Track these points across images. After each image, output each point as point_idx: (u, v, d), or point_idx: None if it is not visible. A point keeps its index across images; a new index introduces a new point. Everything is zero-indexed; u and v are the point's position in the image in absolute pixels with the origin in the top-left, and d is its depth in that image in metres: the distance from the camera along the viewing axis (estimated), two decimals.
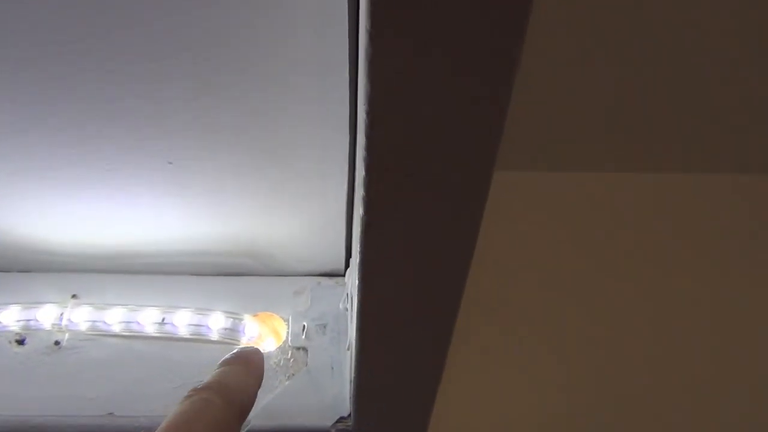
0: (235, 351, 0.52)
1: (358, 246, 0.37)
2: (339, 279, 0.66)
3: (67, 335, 0.60)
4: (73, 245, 0.62)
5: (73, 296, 0.63)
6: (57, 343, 0.60)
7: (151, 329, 0.61)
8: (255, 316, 0.63)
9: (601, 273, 0.92)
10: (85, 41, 0.44)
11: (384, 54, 0.27)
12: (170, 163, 0.54)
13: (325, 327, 0.62)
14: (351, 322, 0.59)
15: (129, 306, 0.61)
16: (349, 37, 0.44)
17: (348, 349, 0.57)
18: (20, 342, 0.60)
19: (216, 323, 0.61)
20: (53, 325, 0.60)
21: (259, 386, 0.49)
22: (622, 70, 0.77)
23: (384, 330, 0.44)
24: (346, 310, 0.62)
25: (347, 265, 0.66)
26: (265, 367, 0.58)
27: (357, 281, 0.40)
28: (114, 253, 0.63)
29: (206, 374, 0.57)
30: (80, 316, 0.61)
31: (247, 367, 0.50)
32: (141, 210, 0.59)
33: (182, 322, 0.60)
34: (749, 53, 0.76)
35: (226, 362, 0.50)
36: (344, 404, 0.57)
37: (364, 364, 0.47)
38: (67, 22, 0.43)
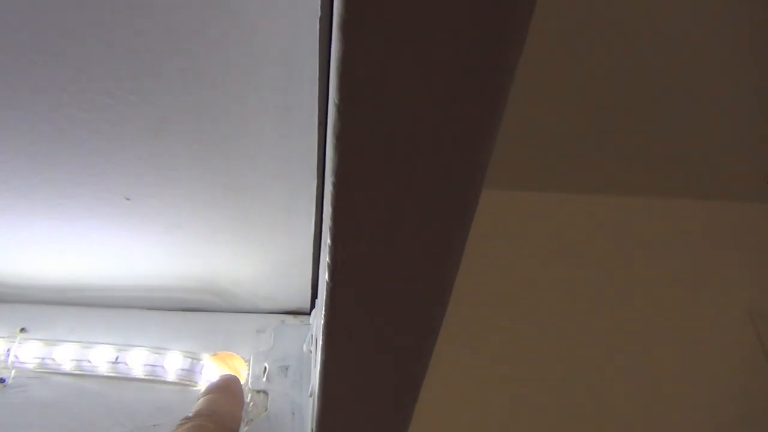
0: (216, 380, 0.55)
1: (323, 309, 0.35)
2: (304, 318, 0.64)
3: (13, 372, 0.57)
4: (21, 276, 0.59)
5: (22, 330, 0.59)
6: (2, 380, 0.56)
7: (103, 368, 0.57)
8: (214, 355, 0.60)
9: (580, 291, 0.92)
10: (39, 67, 0.42)
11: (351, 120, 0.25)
12: (127, 199, 0.51)
13: (287, 369, 0.60)
14: (315, 367, 0.57)
15: (81, 342, 0.58)
16: (319, 64, 0.42)
17: (310, 396, 0.55)
18: None
19: (172, 364, 0.58)
20: (0, 362, 0.57)
21: (242, 411, 0.54)
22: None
23: (348, 388, 0.42)
24: (310, 352, 0.60)
25: (312, 304, 0.64)
26: None
27: (321, 339, 0.37)
28: (65, 285, 0.60)
29: (160, 418, 0.54)
30: (28, 353, 0.57)
31: (231, 394, 0.54)
32: (95, 243, 0.56)
33: (137, 361, 0.58)
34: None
35: (210, 390, 0.53)
36: None
37: (327, 420, 0.45)
38: (22, 42, 0.40)
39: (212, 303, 0.63)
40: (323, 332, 0.36)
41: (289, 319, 0.64)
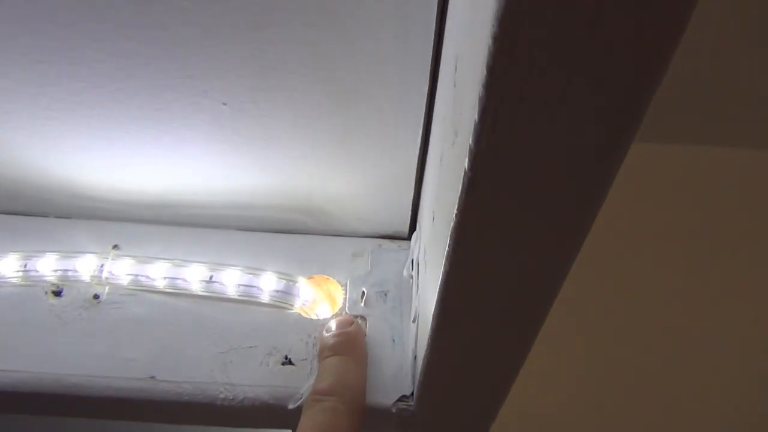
0: (345, 332, 0.52)
1: (455, 210, 0.31)
2: (402, 242, 0.60)
3: (107, 289, 0.55)
4: (115, 192, 0.57)
5: (114, 246, 0.58)
6: (96, 296, 0.55)
7: (197, 287, 0.55)
8: (310, 278, 0.57)
9: None
10: None
11: None
12: (224, 104, 0.48)
13: (386, 294, 0.56)
14: (417, 292, 0.53)
15: (174, 260, 0.56)
16: None
17: (414, 321, 0.51)
18: (57, 293, 0.55)
19: (268, 284, 0.55)
20: (92, 276, 0.55)
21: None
22: None
23: (468, 309, 0.37)
24: (411, 277, 0.56)
25: (412, 228, 0.60)
26: (318, 335, 0.53)
27: (447, 247, 0.33)
28: (158, 203, 0.58)
29: (256, 340, 0.52)
30: (122, 269, 0.56)
31: (360, 361, 0.51)
32: (190, 156, 0.53)
33: (231, 281, 0.55)
34: None
35: (339, 350, 0.50)
36: (406, 381, 0.52)
37: (440, 341, 0.41)
38: None
39: (306, 224, 0.60)
40: (451, 238, 0.32)
41: (386, 243, 0.60)
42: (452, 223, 0.31)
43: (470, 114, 0.26)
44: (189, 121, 0.49)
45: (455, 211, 0.30)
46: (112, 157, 0.54)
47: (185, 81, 0.46)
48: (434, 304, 0.38)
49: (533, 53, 0.22)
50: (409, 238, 0.61)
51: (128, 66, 0.45)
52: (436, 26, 0.41)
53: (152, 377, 0.51)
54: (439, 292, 0.36)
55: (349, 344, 0.51)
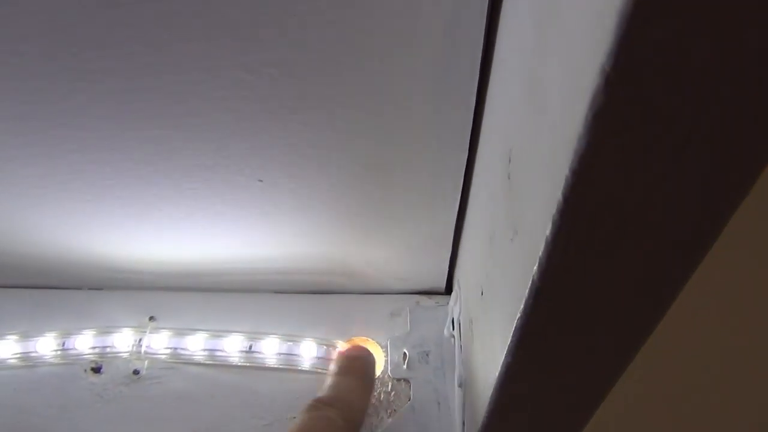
0: (353, 356, 0.53)
1: (519, 310, 0.30)
2: (439, 298, 0.59)
3: (146, 363, 0.55)
4: (149, 263, 0.57)
5: (151, 318, 0.57)
6: (136, 372, 0.55)
7: (236, 358, 0.55)
8: (349, 341, 0.56)
9: None
10: (167, 51, 0.38)
11: None
12: (260, 181, 0.47)
13: (427, 355, 0.55)
14: (460, 354, 0.52)
15: (211, 331, 0.55)
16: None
17: (460, 386, 0.50)
18: (96, 370, 0.55)
19: (308, 351, 0.55)
20: (131, 352, 0.55)
21: (372, 395, 0.52)
22: None
23: (527, 398, 0.37)
24: (452, 337, 0.55)
25: (448, 282, 0.59)
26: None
27: (510, 343, 0.32)
28: (194, 271, 0.57)
29: (299, 409, 0.51)
30: (160, 342, 0.55)
31: (366, 383, 0.51)
32: (224, 228, 0.52)
33: (271, 350, 0.55)
34: None
35: (344, 370, 0.51)
36: None
37: (496, 421, 0.40)
38: (150, 31, 0.36)
39: (342, 285, 0.59)
40: (514, 336, 0.31)
41: (424, 299, 0.59)
42: (516, 322, 0.31)
43: (538, 225, 0.26)
44: (224, 197, 0.49)
45: (519, 313, 0.30)
46: (144, 233, 0.53)
47: (220, 161, 0.46)
48: (491, 387, 0.37)
49: (611, 185, 0.22)
50: (445, 293, 0.60)
51: (162, 151, 0.45)
52: (475, 103, 0.41)
53: None
54: (498, 379, 0.36)
55: (359, 368, 0.52)
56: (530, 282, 0.27)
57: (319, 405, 0.48)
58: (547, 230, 0.25)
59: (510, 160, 0.32)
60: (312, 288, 0.59)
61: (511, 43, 0.34)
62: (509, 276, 0.33)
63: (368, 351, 0.54)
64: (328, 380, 0.51)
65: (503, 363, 0.34)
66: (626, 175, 0.21)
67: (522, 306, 0.29)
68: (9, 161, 0.46)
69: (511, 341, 0.32)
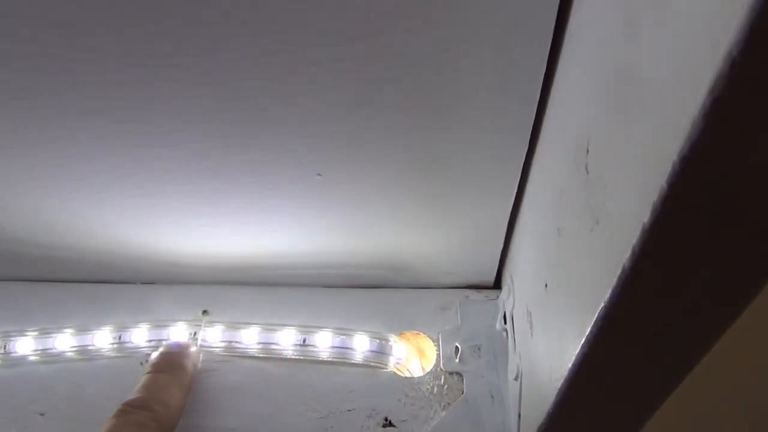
0: (166, 351, 0.53)
1: (602, 301, 0.30)
2: (488, 292, 0.60)
3: (201, 356, 0.56)
4: (203, 257, 0.57)
5: (204, 312, 0.58)
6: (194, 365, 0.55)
7: (290, 351, 0.55)
8: (400, 335, 0.57)
9: None
10: (235, 47, 0.38)
11: None
12: (319, 175, 0.48)
13: (479, 349, 0.56)
14: (515, 349, 0.53)
15: (265, 325, 0.56)
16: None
17: (516, 380, 0.51)
18: None
19: (361, 345, 0.55)
20: None
21: (188, 391, 0.51)
22: None
23: (599, 388, 0.37)
24: (504, 331, 0.55)
25: (498, 278, 0.60)
26: (418, 394, 0.52)
27: (588, 334, 0.32)
28: (246, 265, 0.58)
29: (353, 402, 0.52)
30: (214, 336, 0.56)
31: (181, 378, 0.50)
32: (280, 222, 0.53)
33: (324, 343, 0.55)
34: None
35: (159, 367, 0.51)
36: None
37: (562, 412, 0.40)
38: (219, 28, 0.37)
39: (391, 279, 0.59)
40: (594, 326, 0.32)
41: (473, 294, 0.60)
42: (598, 312, 0.31)
43: (631, 213, 0.26)
44: (282, 191, 0.49)
45: (604, 302, 0.30)
46: (201, 227, 0.54)
47: (281, 156, 0.46)
48: (560, 379, 0.37)
49: (721, 170, 0.22)
50: (494, 287, 0.60)
51: (223, 145, 0.46)
52: (540, 97, 0.41)
53: None
54: (570, 372, 0.36)
55: (173, 363, 0.51)
56: (619, 270, 0.28)
57: (128, 409, 0.46)
58: (645, 218, 0.25)
59: (588, 152, 0.33)
60: (362, 282, 0.60)
61: (586, 36, 0.34)
62: (587, 266, 0.33)
63: (185, 345, 0.54)
64: (141, 380, 0.49)
65: (578, 354, 0.34)
66: (739, 157, 0.21)
67: (608, 294, 0.29)
68: (74, 158, 0.47)
69: (591, 331, 0.32)
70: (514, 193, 0.50)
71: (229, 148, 0.46)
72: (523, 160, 0.47)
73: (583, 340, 0.33)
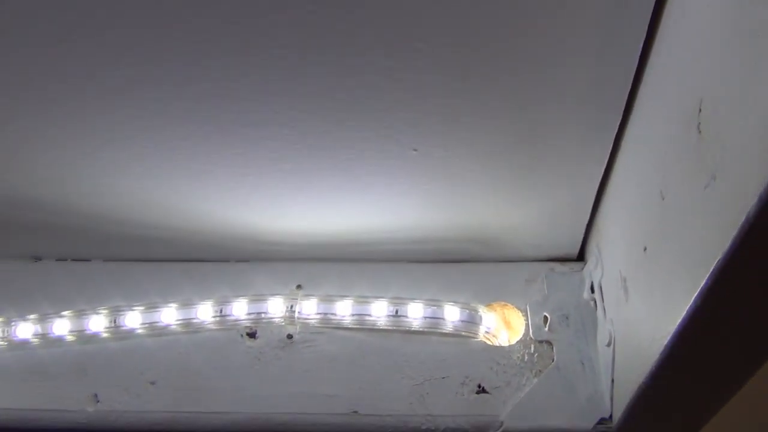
0: None
1: (720, 253, 0.31)
2: (573, 264, 0.61)
3: (298, 328, 0.58)
4: (296, 234, 0.60)
5: (298, 287, 0.61)
6: (290, 336, 0.58)
7: (383, 322, 0.58)
8: (488, 306, 0.58)
9: None
10: (344, 24, 0.40)
11: None
12: (415, 150, 0.50)
13: (567, 318, 0.57)
14: (603, 316, 0.54)
15: (358, 297, 0.58)
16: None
17: (608, 346, 0.52)
18: (252, 335, 0.58)
19: (451, 315, 0.57)
20: (284, 317, 0.58)
21: None
22: None
23: (707, 344, 0.38)
24: (592, 300, 0.56)
25: (582, 251, 0.61)
26: (509, 362, 0.54)
27: (703, 287, 0.34)
28: (338, 242, 0.60)
29: (447, 370, 0.54)
30: (310, 308, 0.58)
31: None
32: (373, 198, 0.55)
33: (416, 314, 0.57)
34: None
35: None
36: (602, 405, 0.52)
37: (666, 372, 0.41)
38: (327, 7, 0.39)
39: (479, 253, 0.61)
40: (710, 279, 0.33)
41: (557, 266, 0.61)
42: (713, 266, 0.32)
43: (755, 166, 0.27)
44: (378, 167, 0.51)
45: (722, 254, 0.31)
46: (296, 205, 0.56)
47: (380, 132, 0.48)
48: (668, 336, 0.39)
49: None
50: (578, 259, 0.61)
51: (326, 123, 0.48)
52: (637, 65, 0.42)
53: (355, 412, 0.54)
54: (680, 325, 0.37)
55: None
56: (742, 219, 0.29)
57: None
58: None
59: (700, 111, 0.34)
60: (450, 257, 0.61)
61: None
62: (701, 223, 0.34)
63: None
64: None
65: (690, 308, 0.35)
66: None
67: (727, 246, 0.31)
68: (184, 139, 0.50)
69: (705, 285, 0.33)
70: (605, 164, 0.51)
71: (333, 125, 0.48)
72: (617, 129, 0.48)
73: (696, 293, 0.34)
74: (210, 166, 0.52)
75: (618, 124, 0.47)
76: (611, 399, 0.52)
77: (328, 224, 0.59)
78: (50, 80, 0.45)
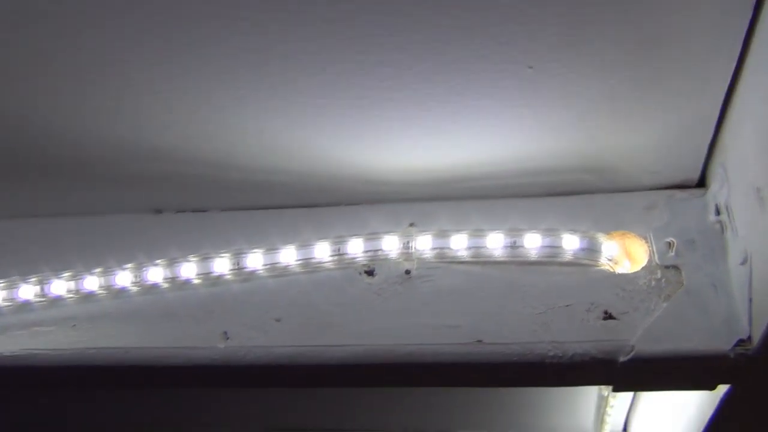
0: None
1: None
2: (692, 191, 0.58)
3: (415, 263, 0.58)
4: (406, 173, 0.60)
5: (411, 224, 0.61)
6: (407, 272, 0.58)
7: (500, 253, 0.57)
8: (608, 235, 0.57)
9: None
10: None
11: None
12: (530, 67, 0.49)
13: (693, 243, 0.55)
14: (733, 236, 0.52)
15: (474, 230, 0.58)
16: None
17: (743, 264, 0.50)
18: (369, 273, 0.59)
19: (570, 244, 0.56)
20: (401, 254, 0.59)
21: None
22: None
23: None
24: (718, 222, 0.54)
25: (702, 175, 0.58)
26: (635, 287, 0.53)
27: None
28: (448, 179, 0.60)
29: (571, 298, 0.53)
30: (425, 244, 0.58)
31: None
32: (486, 126, 0.55)
33: (533, 244, 0.56)
34: None
35: None
36: (739, 326, 0.50)
37: None
38: None
39: (595, 184, 0.60)
40: None
41: (677, 193, 0.59)
42: None
43: None
44: (492, 89, 0.51)
45: None
46: (408, 138, 0.57)
47: (495, 49, 0.48)
48: None
49: None
50: (698, 186, 0.59)
51: (440, 42, 0.48)
52: None
53: (479, 341, 0.54)
54: None
55: None
56: None
57: None
58: None
59: None
60: (563, 189, 0.60)
61: None
62: None
63: None
64: None
65: None
66: None
67: None
68: (302, 72, 0.51)
69: None
70: (731, 74, 0.49)
71: (447, 44, 0.48)
72: (744, 34, 0.46)
73: None
74: (323, 99, 0.53)
75: (745, 31, 0.45)
76: (749, 319, 0.49)
77: (438, 160, 0.59)
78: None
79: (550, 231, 0.56)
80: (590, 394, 0.84)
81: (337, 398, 0.93)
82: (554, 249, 0.56)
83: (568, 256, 0.56)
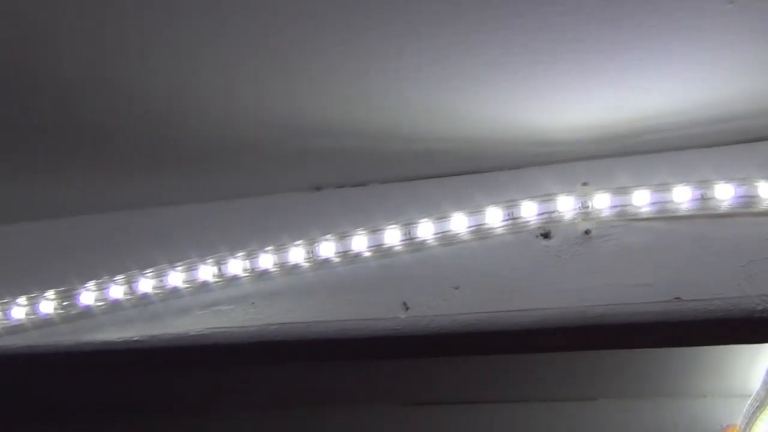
0: None
1: None
2: None
3: (594, 223, 0.56)
4: (575, 131, 0.58)
5: (584, 184, 0.59)
6: (587, 232, 0.56)
7: (686, 207, 0.54)
8: None
9: None
10: None
11: None
12: (730, 3, 0.46)
13: None
14: None
15: (657, 185, 0.55)
16: None
17: None
18: (545, 235, 0.57)
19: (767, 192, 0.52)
20: (578, 214, 0.56)
21: None
22: None
23: None
24: None
25: None
26: None
27: None
28: (626, 132, 0.57)
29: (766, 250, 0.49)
30: (603, 203, 0.56)
31: None
32: (675, 72, 0.51)
33: (725, 195, 0.53)
34: None
35: None
36: None
37: None
38: None
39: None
40: None
41: None
42: None
43: None
44: (687, 30, 0.48)
45: None
46: (585, 92, 0.54)
47: None
48: None
49: None
50: None
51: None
52: None
53: (677, 298, 0.51)
54: None
55: None
56: None
57: None
58: None
59: None
60: (753, 135, 0.56)
61: None
62: None
63: None
64: None
65: None
66: None
67: None
68: (456, 34, 0.48)
69: None
70: None
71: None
72: None
73: None
74: (483, 57, 0.51)
75: None
76: None
77: (614, 113, 0.56)
78: None
79: (745, 180, 0.53)
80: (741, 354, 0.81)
81: (478, 369, 0.93)
82: (749, 199, 0.53)
83: (765, 205, 0.53)
